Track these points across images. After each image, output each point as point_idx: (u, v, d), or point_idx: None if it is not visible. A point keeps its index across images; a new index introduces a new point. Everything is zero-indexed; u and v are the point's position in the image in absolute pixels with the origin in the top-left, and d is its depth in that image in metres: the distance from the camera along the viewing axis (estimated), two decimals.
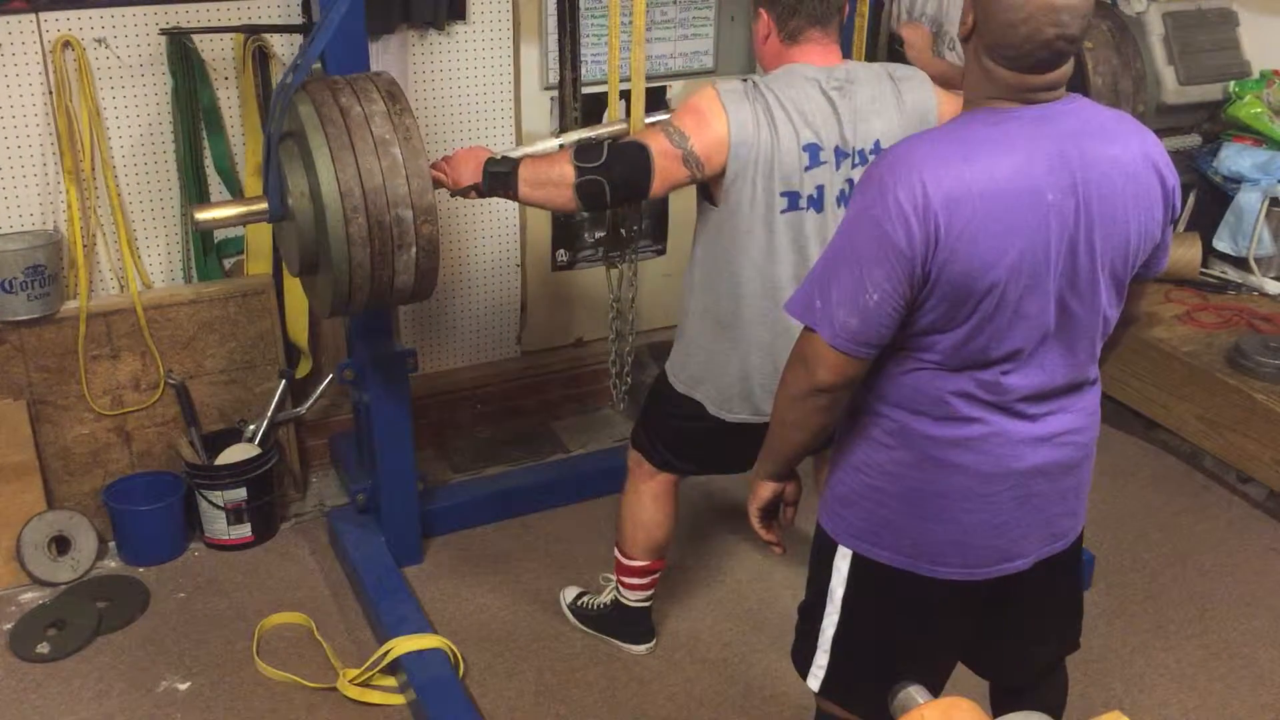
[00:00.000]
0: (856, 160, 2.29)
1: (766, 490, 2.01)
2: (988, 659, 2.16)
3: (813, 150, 2.26)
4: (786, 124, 2.25)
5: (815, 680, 2.03)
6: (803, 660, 2.06)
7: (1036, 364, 1.77)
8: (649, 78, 2.96)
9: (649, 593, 2.89)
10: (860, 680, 2.00)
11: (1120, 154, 1.73)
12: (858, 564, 1.92)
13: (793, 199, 2.28)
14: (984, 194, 1.63)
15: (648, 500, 2.75)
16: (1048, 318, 1.74)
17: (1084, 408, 1.88)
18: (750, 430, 2.34)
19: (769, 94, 2.26)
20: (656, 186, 2.30)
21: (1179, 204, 1.81)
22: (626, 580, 2.87)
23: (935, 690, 1.99)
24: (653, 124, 2.47)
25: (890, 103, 2.31)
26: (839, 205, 2.30)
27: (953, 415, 1.78)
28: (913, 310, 1.71)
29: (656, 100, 2.84)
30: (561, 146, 2.65)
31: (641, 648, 2.94)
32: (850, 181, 2.29)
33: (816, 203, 2.29)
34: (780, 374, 1.87)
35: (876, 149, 2.28)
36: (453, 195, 2.51)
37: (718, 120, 2.25)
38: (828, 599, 1.97)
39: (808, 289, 1.76)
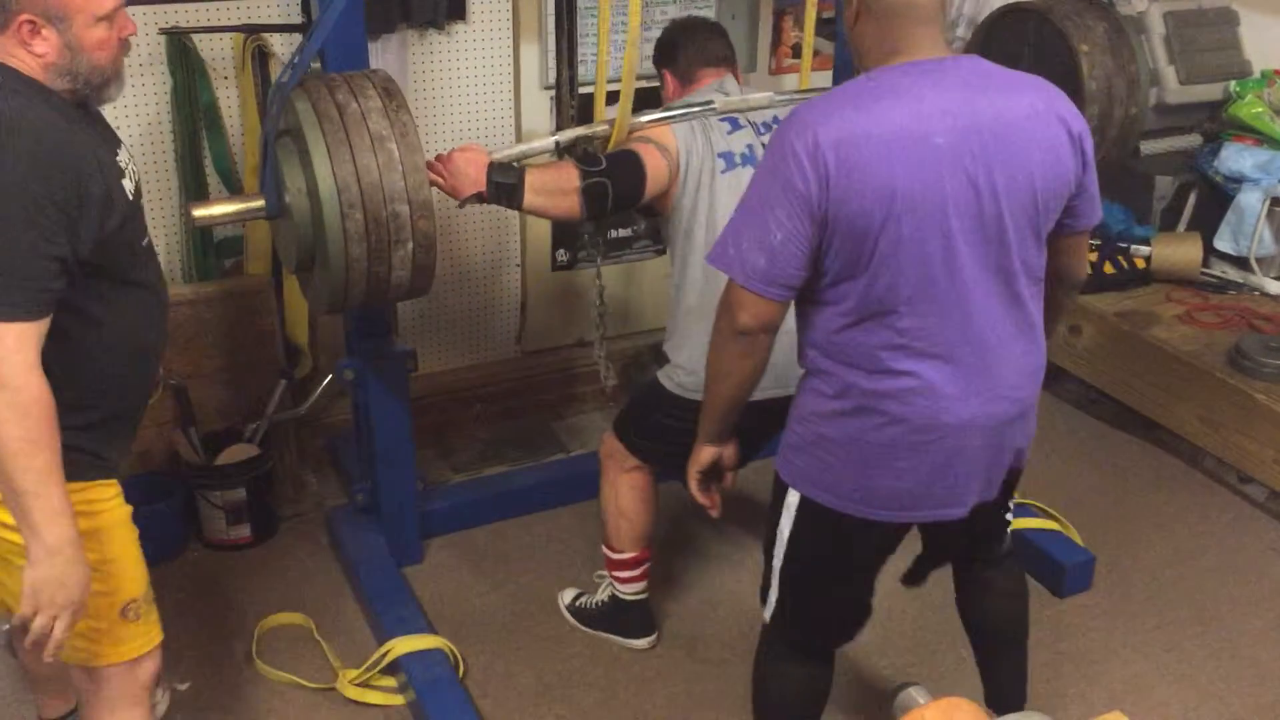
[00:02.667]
0: (762, 130, 2.64)
1: (706, 454, 2.15)
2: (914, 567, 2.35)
3: (732, 121, 2.63)
4: (705, 119, 2.62)
5: (768, 611, 2.19)
6: (762, 592, 2.21)
7: (955, 309, 1.87)
8: (649, 77, 2.98)
9: (642, 584, 2.90)
10: (802, 607, 2.17)
11: (1017, 102, 1.86)
12: (804, 505, 2.06)
13: (729, 158, 2.57)
14: (869, 137, 1.78)
15: (625, 491, 2.78)
16: (955, 258, 1.83)
17: (1016, 364, 1.97)
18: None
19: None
20: (649, 184, 2.52)
21: (1089, 150, 1.93)
22: (618, 574, 2.88)
23: (865, 598, 2.21)
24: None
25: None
26: None
27: (883, 368, 1.90)
28: (820, 256, 1.85)
29: (656, 100, 2.86)
30: (558, 144, 2.68)
31: (643, 641, 2.94)
32: (765, 146, 2.57)
33: (750, 159, 2.58)
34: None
35: (777, 122, 2.62)
36: (460, 206, 2.53)
37: (666, 130, 2.60)
38: (778, 538, 2.11)
39: (722, 238, 1.92)
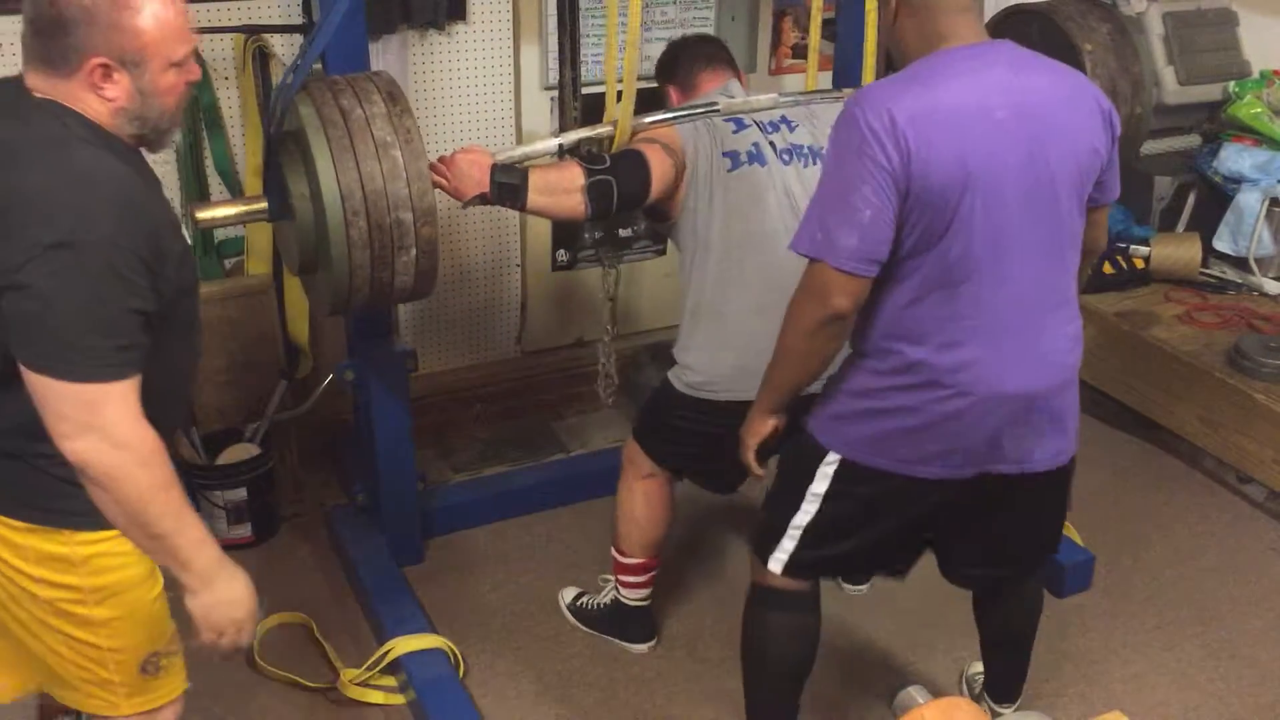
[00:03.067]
0: (769, 130, 2.63)
1: (767, 426, 2.21)
2: (961, 558, 2.37)
3: (737, 121, 2.62)
4: (710, 120, 2.63)
5: (778, 563, 2.26)
6: (765, 547, 2.28)
7: (1017, 278, 1.96)
8: (647, 77, 2.98)
9: (647, 591, 2.90)
10: (822, 553, 2.24)
11: (1055, 80, 2.00)
12: (845, 466, 2.13)
13: (734, 157, 2.56)
14: (941, 112, 1.87)
15: (640, 498, 2.78)
16: (1019, 228, 1.93)
17: (1064, 329, 2.06)
18: (742, 417, 2.36)
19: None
20: (655, 184, 2.51)
21: (1118, 126, 2.06)
22: (624, 578, 2.88)
23: (898, 567, 2.36)
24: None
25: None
26: (780, 160, 2.59)
27: (950, 341, 1.96)
28: (900, 229, 1.90)
29: (656, 100, 2.86)
30: (561, 145, 2.68)
31: (642, 646, 2.94)
32: (772, 145, 2.60)
33: (757, 157, 2.57)
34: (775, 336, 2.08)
35: (784, 121, 2.67)
36: (464, 207, 2.53)
37: (672, 130, 2.61)
38: (805, 497, 2.18)
39: (807, 224, 1.95)
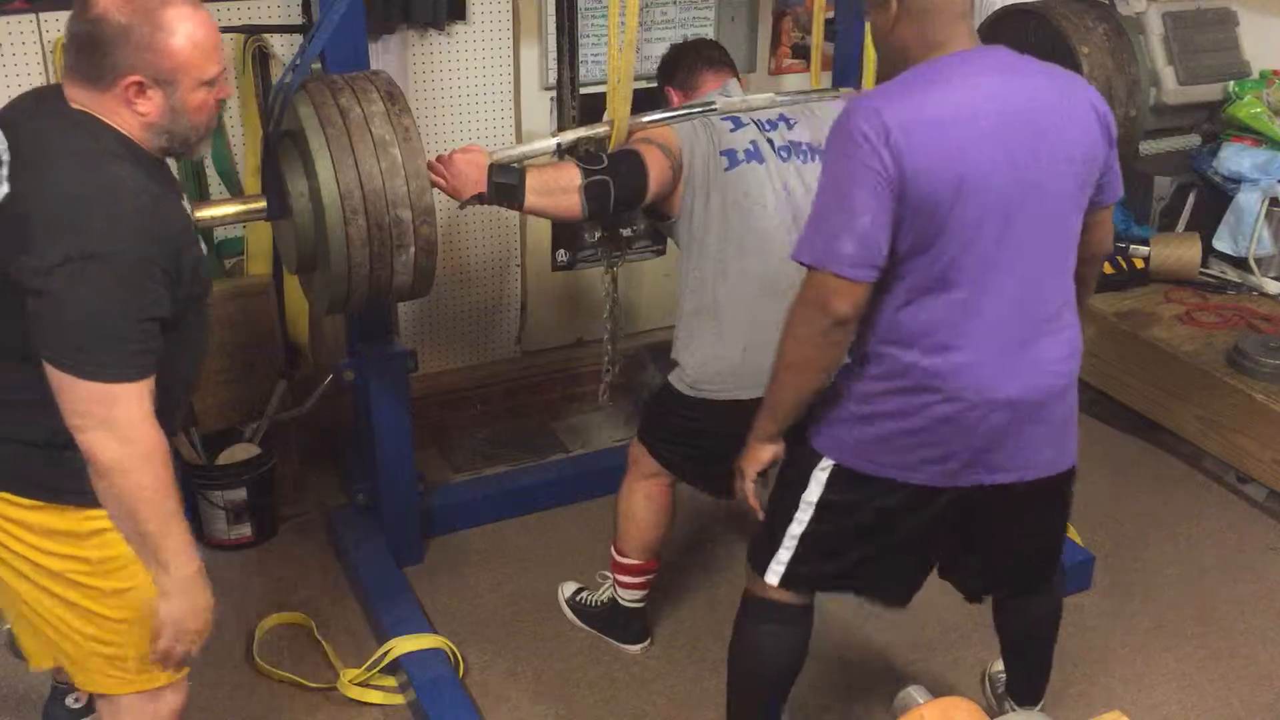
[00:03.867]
0: (767, 127, 2.63)
1: (767, 453, 2.17)
2: (963, 569, 2.37)
3: (735, 119, 2.63)
4: (707, 119, 2.64)
5: (774, 575, 2.23)
6: (761, 559, 2.25)
7: (1009, 285, 1.96)
8: (648, 78, 2.99)
9: (643, 593, 2.90)
10: (819, 567, 2.23)
11: (1048, 84, 2.00)
12: (838, 472, 2.13)
13: (731, 156, 2.56)
14: (932, 120, 1.89)
15: (640, 499, 2.78)
16: (1010, 235, 1.93)
17: (1063, 337, 2.06)
18: (743, 417, 2.35)
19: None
20: (652, 183, 2.51)
21: (1114, 129, 2.06)
22: (621, 578, 2.88)
23: (899, 593, 2.31)
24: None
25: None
26: (779, 156, 2.60)
27: (940, 345, 1.96)
28: (895, 234, 1.90)
29: (657, 101, 2.86)
30: (559, 145, 2.68)
31: (635, 648, 2.94)
32: (770, 142, 2.61)
33: (754, 155, 2.57)
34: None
35: (782, 119, 2.68)
36: (461, 207, 2.53)
37: (669, 130, 2.62)
38: (799, 505, 2.17)
39: (806, 234, 1.95)
